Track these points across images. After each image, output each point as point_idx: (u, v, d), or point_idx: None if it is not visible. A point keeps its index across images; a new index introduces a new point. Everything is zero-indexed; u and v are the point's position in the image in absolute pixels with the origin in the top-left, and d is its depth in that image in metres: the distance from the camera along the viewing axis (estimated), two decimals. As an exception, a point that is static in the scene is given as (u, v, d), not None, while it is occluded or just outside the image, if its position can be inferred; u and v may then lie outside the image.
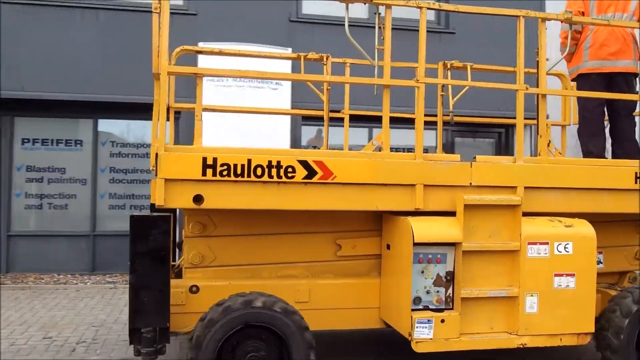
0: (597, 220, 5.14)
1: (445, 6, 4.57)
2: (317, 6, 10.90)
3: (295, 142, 10.40)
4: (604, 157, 5.64)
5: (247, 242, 4.69)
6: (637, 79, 5.77)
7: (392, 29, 4.43)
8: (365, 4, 4.44)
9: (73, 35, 9.80)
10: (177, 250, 5.58)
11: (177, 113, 10.15)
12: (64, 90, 9.66)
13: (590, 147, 5.60)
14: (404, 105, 6.11)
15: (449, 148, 11.33)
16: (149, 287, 4.04)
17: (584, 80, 5.66)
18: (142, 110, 8.30)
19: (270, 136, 9.04)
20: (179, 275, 4.92)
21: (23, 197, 10.24)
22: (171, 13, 10.21)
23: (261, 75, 4.60)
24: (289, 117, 9.47)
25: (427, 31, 4.48)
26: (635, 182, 4.83)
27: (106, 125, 10.71)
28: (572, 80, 5.89)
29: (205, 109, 5.21)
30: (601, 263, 5.39)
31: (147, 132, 10.41)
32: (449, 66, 6.20)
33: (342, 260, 4.85)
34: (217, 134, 8.21)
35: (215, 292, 4.42)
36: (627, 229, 5.49)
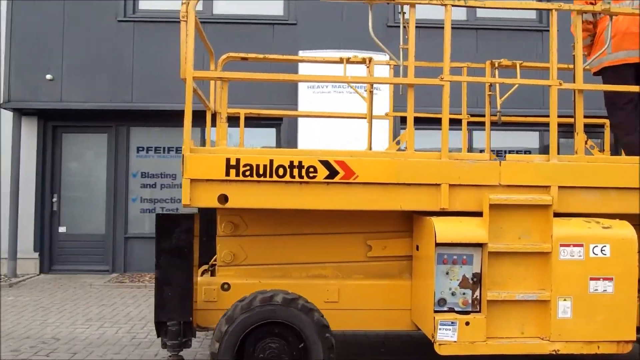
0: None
1: (471, 2, 4.49)
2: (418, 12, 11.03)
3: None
4: None
5: (277, 242, 4.79)
6: None
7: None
8: (388, 3, 4.44)
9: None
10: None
11: (280, 119, 10.71)
12: (172, 101, 10.14)
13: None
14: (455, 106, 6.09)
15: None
16: (173, 283, 4.23)
17: (611, 73, 5.41)
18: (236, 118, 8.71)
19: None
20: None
21: (138, 201, 11.13)
22: (272, 23, 10.72)
23: (279, 78, 4.59)
24: (387, 120, 9.58)
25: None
26: (684, 182, 4.56)
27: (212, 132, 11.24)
28: (595, 74, 5.61)
29: (249, 115, 5.35)
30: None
31: (250, 138, 10.92)
32: (496, 65, 6.08)
33: (372, 261, 4.85)
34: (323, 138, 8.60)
35: (246, 290, 4.51)
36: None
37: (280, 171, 4.26)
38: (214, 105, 5.62)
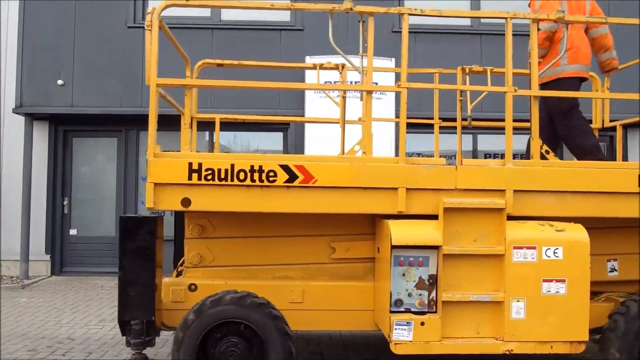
0: (612, 225, 4.99)
1: (428, 11, 4.61)
2: (417, 17, 11.15)
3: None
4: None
5: (244, 244, 4.95)
6: None
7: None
8: (349, 12, 4.57)
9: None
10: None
11: (287, 124, 10.94)
12: (182, 105, 10.36)
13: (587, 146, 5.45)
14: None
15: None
16: (136, 283, 4.42)
17: (563, 83, 5.55)
18: (246, 123, 8.90)
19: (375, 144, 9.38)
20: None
21: (147, 204, 11.33)
22: (279, 29, 10.88)
23: (248, 85, 4.72)
24: (393, 125, 9.70)
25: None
26: (639, 186, 4.62)
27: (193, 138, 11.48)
28: (543, 84, 5.69)
29: (225, 120, 5.51)
30: (615, 271, 5.19)
31: (252, 142, 11.61)
32: (467, 71, 6.17)
33: (336, 263, 4.98)
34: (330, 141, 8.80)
35: (212, 290, 4.66)
36: (643, 236, 5.22)
37: (242, 175, 4.43)
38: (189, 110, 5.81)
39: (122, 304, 4.47)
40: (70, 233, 11.30)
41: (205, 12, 11.16)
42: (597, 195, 4.63)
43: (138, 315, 4.43)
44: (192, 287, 4.81)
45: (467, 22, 11.06)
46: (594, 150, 5.52)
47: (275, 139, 11.64)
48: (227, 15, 11.26)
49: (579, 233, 4.45)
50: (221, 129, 11.02)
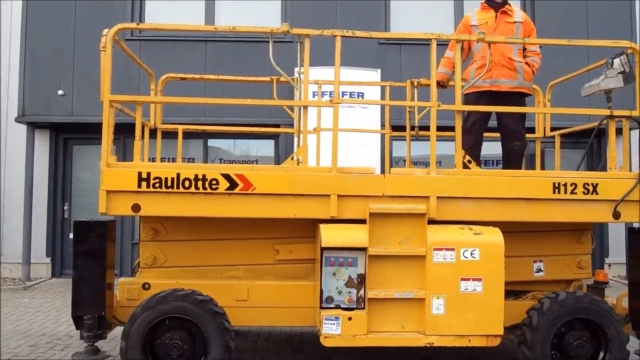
0: (535, 229, 5.36)
1: (359, 33, 5.01)
2: (403, 29, 11.62)
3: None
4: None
5: (195, 247, 5.39)
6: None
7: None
8: (286, 34, 5.00)
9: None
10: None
11: (277, 136, 11.41)
12: (178, 115, 10.51)
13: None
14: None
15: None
16: (87, 282, 4.88)
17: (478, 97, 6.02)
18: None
19: (360, 152, 9.71)
20: None
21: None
22: (269, 40, 11.35)
23: (201, 101, 5.17)
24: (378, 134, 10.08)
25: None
26: (553, 192, 4.98)
27: (214, 143, 12.05)
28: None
29: (188, 130, 5.90)
30: (541, 271, 5.55)
31: (252, 148, 12.07)
32: (415, 84, 6.56)
33: (280, 264, 5.40)
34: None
35: (164, 289, 5.13)
36: (568, 238, 5.60)
37: (187, 183, 4.87)
38: (153, 121, 6.26)
39: (75, 301, 4.93)
40: (70, 237, 11.76)
41: (199, 22, 11.61)
42: (514, 201, 5.01)
43: (90, 311, 4.89)
44: (146, 286, 5.25)
45: (452, 30, 11.46)
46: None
47: (268, 146, 12.07)
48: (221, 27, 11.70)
49: (495, 236, 4.83)
50: (220, 137, 11.67)
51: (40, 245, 11.53)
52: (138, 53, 11.23)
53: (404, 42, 11.16)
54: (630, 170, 5.43)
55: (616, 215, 5.11)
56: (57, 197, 11.78)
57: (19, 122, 11.28)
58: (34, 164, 11.37)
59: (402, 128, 6.84)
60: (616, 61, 5.52)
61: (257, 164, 11.73)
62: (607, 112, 5.31)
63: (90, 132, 11.58)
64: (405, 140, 6.83)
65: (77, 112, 11.30)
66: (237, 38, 11.42)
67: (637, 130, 5.79)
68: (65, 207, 11.84)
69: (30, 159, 11.32)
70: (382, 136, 10.54)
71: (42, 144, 11.67)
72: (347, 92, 9.52)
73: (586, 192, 5.07)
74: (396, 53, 11.10)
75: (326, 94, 9.39)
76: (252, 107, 10.78)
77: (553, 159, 6.44)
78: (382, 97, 9.12)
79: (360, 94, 9.76)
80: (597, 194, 5.08)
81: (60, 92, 11.25)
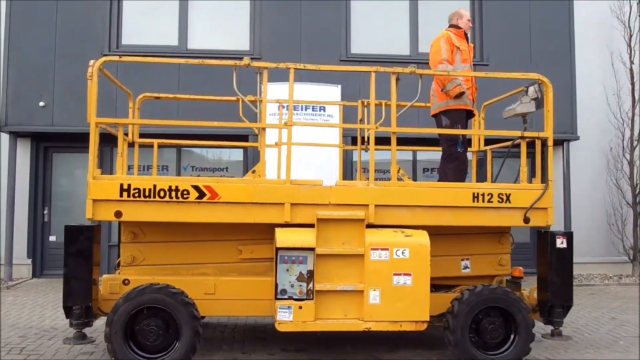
0: (462, 232, 6.30)
1: (310, 66, 5.92)
2: (364, 46, 12.63)
3: (346, 167, 11.82)
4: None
5: (169, 247, 6.23)
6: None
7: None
8: (247, 66, 5.88)
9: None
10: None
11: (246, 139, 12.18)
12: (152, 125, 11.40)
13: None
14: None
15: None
16: (77, 277, 5.71)
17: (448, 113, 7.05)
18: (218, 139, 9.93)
19: (322, 165, 10.51)
20: None
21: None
22: (239, 57, 12.07)
23: (172, 123, 6.01)
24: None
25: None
26: (473, 201, 5.93)
27: (187, 150, 12.81)
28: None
29: (163, 144, 6.76)
30: (468, 268, 6.49)
31: (224, 154, 12.87)
32: (365, 103, 7.46)
33: (243, 262, 6.27)
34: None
35: (142, 284, 5.95)
36: (491, 240, 6.54)
37: (162, 193, 5.73)
38: (131, 136, 7.09)
39: (66, 293, 5.76)
40: (50, 239, 12.54)
41: (173, 42, 12.42)
42: (440, 208, 5.95)
43: (78, 302, 5.72)
44: (126, 282, 6.06)
45: (406, 52, 12.49)
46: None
47: (238, 153, 12.88)
48: (193, 44, 12.52)
49: (423, 238, 5.76)
50: (193, 146, 12.45)
51: (22, 247, 12.22)
52: (116, 68, 12.01)
53: (364, 60, 12.11)
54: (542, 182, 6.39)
55: (526, 220, 6.08)
56: (38, 202, 12.49)
57: (2, 132, 11.96)
58: (16, 170, 12.05)
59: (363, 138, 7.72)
60: (530, 89, 6.50)
61: (227, 170, 12.59)
62: (518, 133, 6.29)
63: (69, 141, 12.39)
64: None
65: (57, 122, 11.99)
66: (208, 54, 12.12)
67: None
68: (45, 212, 12.55)
69: (12, 166, 11.99)
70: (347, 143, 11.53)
71: (24, 152, 12.36)
72: (309, 106, 10.42)
73: (501, 200, 6.03)
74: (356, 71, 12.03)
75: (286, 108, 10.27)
76: (226, 114, 11.60)
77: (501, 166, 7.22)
78: (345, 111, 10.07)
79: (322, 108, 10.64)
80: (510, 202, 6.05)
81: (41, 103, 11.94)
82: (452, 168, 7.01)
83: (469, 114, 7.19)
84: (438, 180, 7.09)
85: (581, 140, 12.70)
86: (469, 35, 7.42)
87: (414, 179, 12.60)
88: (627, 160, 12.74)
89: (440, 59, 6.93)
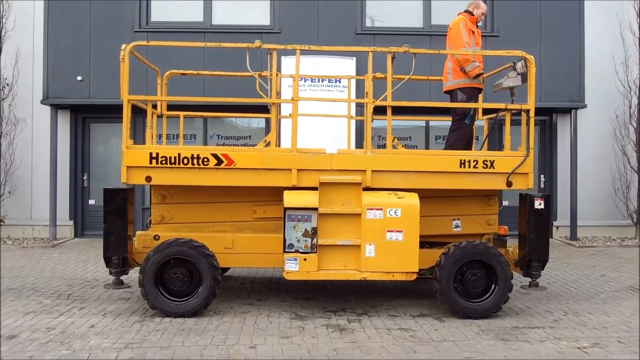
0: (453, 195, 7.04)
1: (314, 47, 6.67)
2: (378, 20, 13.38)
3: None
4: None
5: (193, 208, 7.10)
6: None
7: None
8: (259, 48, 6.66)
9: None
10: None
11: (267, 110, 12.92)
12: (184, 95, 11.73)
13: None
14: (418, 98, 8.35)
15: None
16: (115, 232, 6.65)
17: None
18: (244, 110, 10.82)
19: (340, 134, 11.25)
20: None
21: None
22: (260, 32, 12.90)
23: (198, 99, 6.83)
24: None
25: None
26: (460, 167, 6.67)
27: (212, 121, 13.65)
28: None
29: (188, 116, 7.60)
30: (459, 227, 7.24)
31: (245, 122, 13.71)
32: (372, 77, 8.17)
33: (257, 221, 7.11)
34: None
35: (170, 239, 6.83)
36: (480, 202, 7.27)
37: (185, 160, 6.59)
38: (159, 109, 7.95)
39: (106, 245, 6.71)
40: (90, 202, 13.64)
41: (198, 17, 13.23)
42: (431, 173, 6.70)
43: (116, 253, 6.67)
44: (156, 237, 6.96)
45: (419, 24, 13.11)
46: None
47: (261, 121, 13.67)
48: (218, 19, 13.32)
49: (413, 199, 6.53)
50: (217, 117, 13.33)
51: (64, 210, 13.34)
52: (146, 49, 12.81)
53: (378, 33, 12.79)
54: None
55: (509, 184, 6.81)
56: (77, 169, 13.56)
57: (44, 104, 12.98)
58: (57, 140, 13.09)
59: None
60: (518, 64, 7.16)
61: (250, 138, 13.44)
62: (502, 105, 7.00)
63: (104, 112, 13.36)
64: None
65: (93, 95, 12.96)
66: (231, 30, 12.91)
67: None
68: (85, 177, 13.61)
69: (54, 136, 13.04)
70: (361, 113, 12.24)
71: (64, 123, 13.39)
72: (325, 78, 11.18)
73: (485, 166, 6.76)
74: (370, 43, 12.68)
75: (307, 81, 11.07)
76: (246, 88, 12.43)
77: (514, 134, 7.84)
78: (357, 83, 10.81)
79: (338, 80, 11.37)
80: (493, 168, 6.78)
81: (78, 78, 12.90)
82: (458, 138, 7.74)
83: (480, 90, 7.87)
84: (444, 148, 7.82)
85: (589, 108, 13.24)
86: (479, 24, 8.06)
87: (427, 146, 13.36)
88: (633, 127, 13.23)
89: (462, 42, 7.61)
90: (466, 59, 7.47)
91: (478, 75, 7.56)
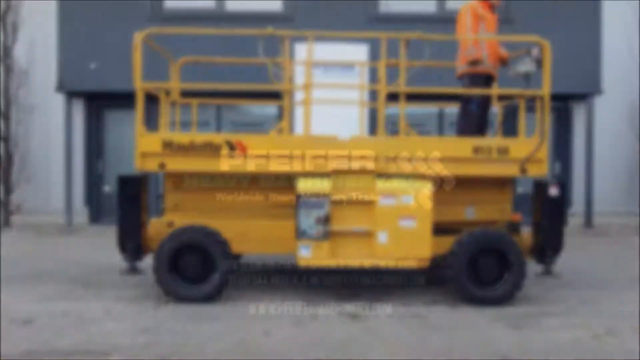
0: (468, 182, 6.99)
1: (326, 33, 6.64)
2: (393, 5, 13.26)
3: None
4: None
5: (206, 194, 7.09)
6: None
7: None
8: (271, 35, 6.64)
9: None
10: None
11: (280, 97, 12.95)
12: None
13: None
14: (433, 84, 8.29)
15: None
16: (129, 219, 6.70)
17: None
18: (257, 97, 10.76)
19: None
20: None
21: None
22: (271, 18, 12.92)
23: (210, 87, 6.80)
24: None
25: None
26: (474, 154, 6.64)
27: (226, 108, 13.77)
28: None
29: (203, 102, 7.62)
30: (473, 214, 7.20)
31: (258, 108, 13.75)
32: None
33: (271, 208, 7.10)
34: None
35: (183, 226, 6.86)
36: (494, 190, 7.21)
37: (199, 147, 6.60)
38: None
39: (120, 232, 6.76)
40: (105, 189, 13.75)
41: (211, 5, 13.22)
42: (444, 160, 6.66)
43: (130, 240, 6.71)
44: (170, 224, 7.01)
45: (433, 9, 13.02)
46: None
47: (274, 107, 13.66)
48: (230, 6, 13.30)
49: (426, 186, 6.51)
50: (230, 104, 13.36)
51: (79, 196, 13.49)
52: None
53: (391, 20, 12.71)
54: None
55: (523, 170, 6.76)
56: (92, 156, 13.67)
57: (58, 92, 13.06)
58: (72, 127, 13.19)
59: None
60: (534, 50, 7.09)
61: (263, 125, 13.46)
62: (518, 91, 6.94)
63: (118, 99, 13.43)
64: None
65: (107, 82, 13.02)
66: (244, 17, 12.91)
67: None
68: (99, 164, 13.70)
69: (68, 124, 13.16)
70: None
71: (78, 110, 13.49)
72: (338, 66, 11.13)
73: (499, 153, 6.72)
74: (385, 28, 12.58)
75: (320, 68, 11.01)
76: (259, 75, 12.43)
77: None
78: (371, 71, 10.75)
79: (351, 68, 11.31)
80: (508, 154, 6.73)
81: (92, 66, 12.97)
82: (467, 124, 7.69)
83: (492, 78, 7.79)
84: (456, 134, 7.78)
85: (606, 94, 13.11)
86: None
87: (440, 131, 13.30)
88: (651, 113, 13.13)
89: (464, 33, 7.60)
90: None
91: (476, 62, 7.51)
